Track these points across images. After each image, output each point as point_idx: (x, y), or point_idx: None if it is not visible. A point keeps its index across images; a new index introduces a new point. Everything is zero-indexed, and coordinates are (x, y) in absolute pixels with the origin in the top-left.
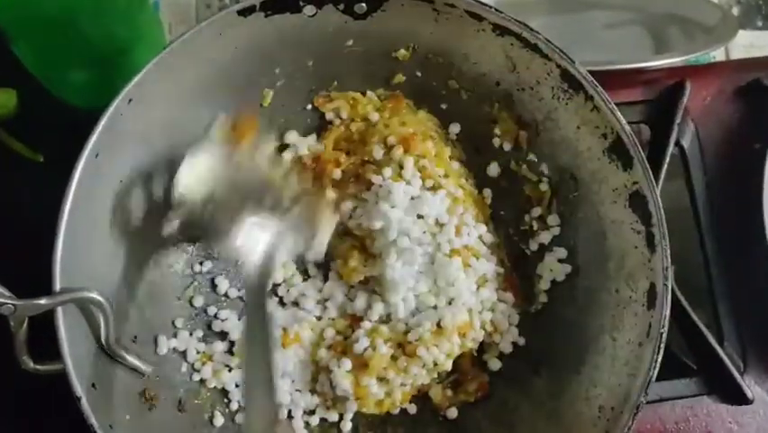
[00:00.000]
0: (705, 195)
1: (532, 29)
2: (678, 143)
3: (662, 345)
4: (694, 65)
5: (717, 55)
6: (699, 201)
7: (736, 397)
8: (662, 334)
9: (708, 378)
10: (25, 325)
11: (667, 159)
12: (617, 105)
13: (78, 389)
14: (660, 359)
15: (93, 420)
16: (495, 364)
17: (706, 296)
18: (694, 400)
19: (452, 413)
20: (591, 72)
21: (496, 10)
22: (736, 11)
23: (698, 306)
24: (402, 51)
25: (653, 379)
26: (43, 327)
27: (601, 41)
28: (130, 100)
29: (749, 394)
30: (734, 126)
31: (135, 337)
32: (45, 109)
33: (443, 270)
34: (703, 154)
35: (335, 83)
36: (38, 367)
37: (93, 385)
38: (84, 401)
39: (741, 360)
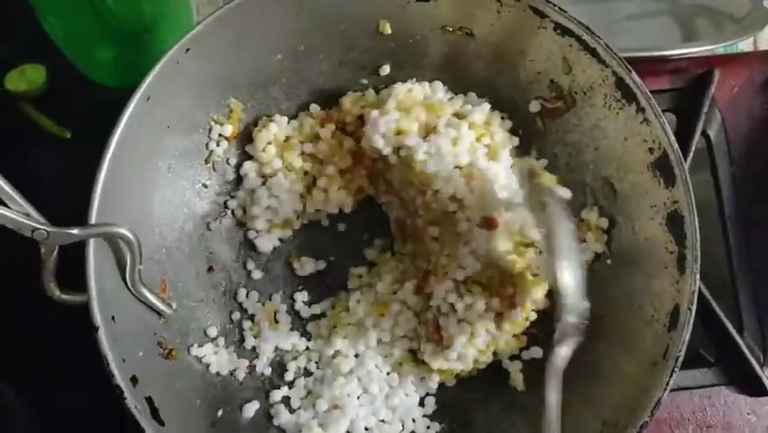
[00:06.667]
0: (730, 186)
1: (593, 32)
2: (704, 133)
3: (678, 369)
4: (722, 55)
5: (745, 47)
6: (723, 192)
7: (755, 388)
8: (678, 357)
9: (728, 368)
10: (55, 253)
11: (693, 148)
12: None
13: (98, 319)
14: (672, 382)
15: (107, 351)
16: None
17: (728, 287)
18: (712, 390)
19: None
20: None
21: (560, 9)
22: (766, 3)
23: (719, 297)
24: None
25: (663, 401)
26: (72, 263)
27: (628, 30)
28: (187, 50)
29: None
30: (761, 117)
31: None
32: (74, 87)
33: None
34: (729, 145)
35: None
36: (63, 296)
37: (112, 318)
38: (101, 332)
39: (761, 351)
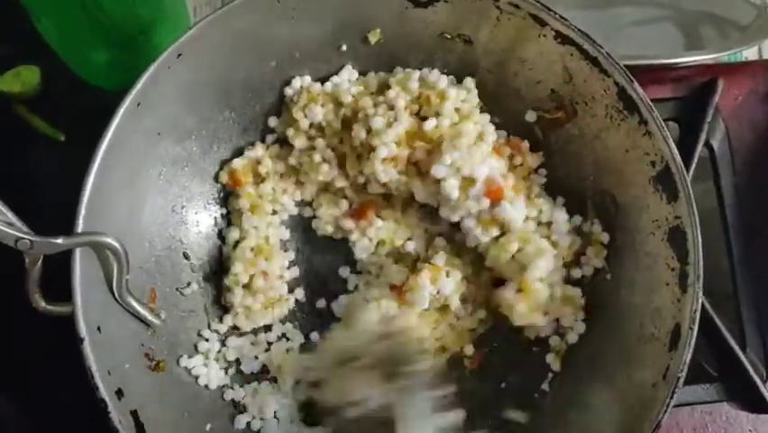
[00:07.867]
0: (733, 195)
1: (594, 41)
2: (707, 143)
3: (678, 390)
4: (726, 64)
5: (749, 55)
6: (727, 204)
7: (758, 405)
8: (679, 378)
9: (729, 384)
10: (39, 264)
11: (696, 158)
12: None
13: (83, 330)
14: (672, 403)
15: (92, 363)
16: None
17: (730, 299)
18: (713, 406)
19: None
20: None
21: (560, 17)
22: None
23: (721, 310)
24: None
25: (663, 423)
26: (58, 271)
27: (632, 36)
28: (179, 55)
29: None
30: (765, 127)
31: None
32: (68, 89)
33: None
34: (733, 155)
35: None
36: (48, 307)
37: (98, 329)
38: (86, 343)
39: (764, 367)
